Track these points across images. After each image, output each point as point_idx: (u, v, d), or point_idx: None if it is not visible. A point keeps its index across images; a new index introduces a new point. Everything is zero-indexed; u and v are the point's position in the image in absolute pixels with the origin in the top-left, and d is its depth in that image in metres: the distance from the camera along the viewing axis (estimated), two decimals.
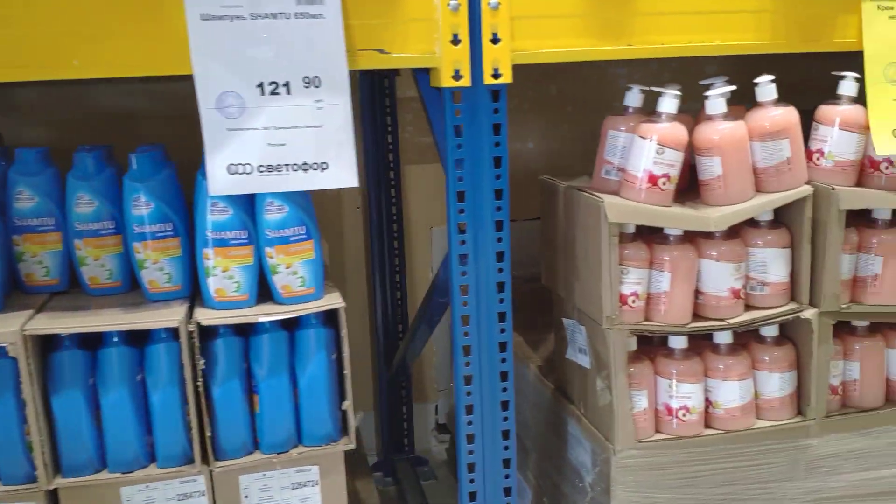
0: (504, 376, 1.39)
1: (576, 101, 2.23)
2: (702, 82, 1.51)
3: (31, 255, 1.28)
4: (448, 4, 1.23)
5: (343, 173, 1.23)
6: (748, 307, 1.49)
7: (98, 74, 1.14)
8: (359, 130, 2.12)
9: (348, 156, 1.22)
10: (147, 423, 1.23)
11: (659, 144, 1.38)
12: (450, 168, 1.31)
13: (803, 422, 1.51)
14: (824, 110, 1.47)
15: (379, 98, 2.06)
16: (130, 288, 1.32)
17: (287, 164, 1.20)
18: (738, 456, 1.49)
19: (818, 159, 1.47)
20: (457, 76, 1.26)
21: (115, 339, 1.20)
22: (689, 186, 1.50)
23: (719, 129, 1.41)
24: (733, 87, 1.44)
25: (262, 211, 1.22)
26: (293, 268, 1.25)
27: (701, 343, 1.50)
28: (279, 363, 1.25)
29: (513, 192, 1.70)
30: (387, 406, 2.23)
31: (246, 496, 1.27)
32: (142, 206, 1.23)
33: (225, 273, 1.23)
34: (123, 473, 1.23)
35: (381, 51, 1.24)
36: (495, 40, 1.27)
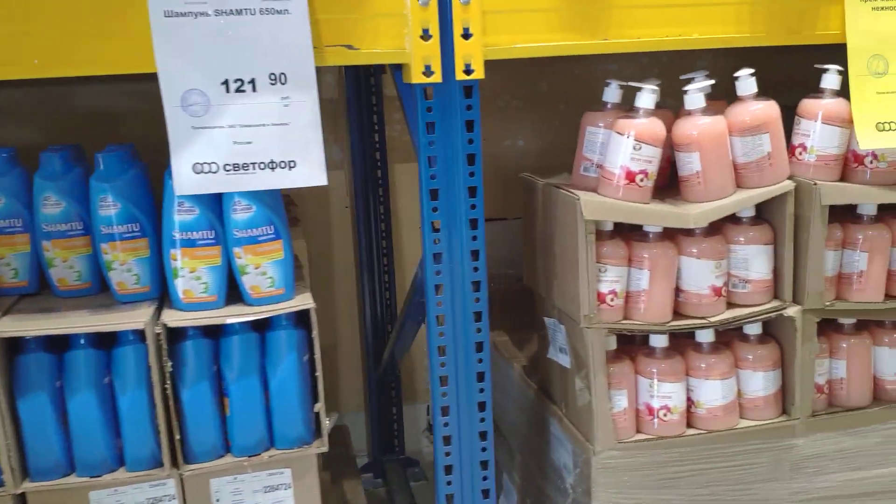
0: (481, 377, 1.37)
1: (567, 97, 2.21)
2: (682, 77, 1.49)
3: None
4: None
5: (312, 171, 1.21)
6: (730, 305, 1.47)
7: (58, 73, 1.13)
8: (345, 129, 2.12)
9: (317, 154, 1.21)
10: (116, 426, 1.21)
11: (636, 140, 1.36)
12: (422, 165, 1.29)
13: (788, 421, 1.49)
14: (806, 104, 1.45)
15: (365, 96, 2.04)
16: (100, 289, 1.30)
17: (253, 163, 1.19)
18: (721, 456, 1.47)
19: (801, 154, 1.45)
20: (427, 72, 1.24)
21: (82, 342, 1.19)
22: (671, 183, 1.48)
23: (698, 125, 1.39)
24: (712, 82, 1.42)
25: (229, 211, 1.21)
26: (262, 268, 1.23)
27: (683, 341, 1.48)
28: (249, 365, 1.24)
29: (503, 191, 1.69)
30: (377, 406, 2.21)
31: (217, 500, 1.26)
32: (108, 206, 1.22)
33: (192, 274, 1.21)
34: (92, 477, 1.21)
35: (349, 47, 1.22)
36: (467, 35, 1.25)
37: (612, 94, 1.46)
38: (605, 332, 1.40)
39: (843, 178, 1.46)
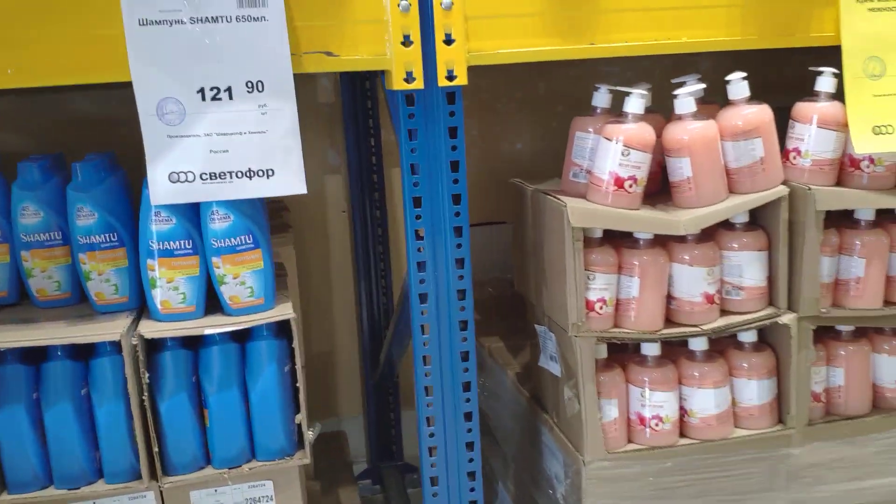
0: (466, 386, 1.35)
1: (565, 99, 2.19)
2: (674, 80, 1.46)
3: None
4: (398, 5, 1.19)
5: (290, 180, 1.19)
6: (724, 312, 1.44)
7: (33, 83, 1.12)
8: (341, 133, 2.10)
9: (295, 162, 1.19)
10: (94, 437, 1.20)
11: (624, 146, 1.33)
12: (405, 173, 1.27)
13: (784, 430, 1.46)
14: (801, 107, 1.42)
15: (361, 100, 2.02)
16: (80, 299, 1.29)
17: (231, 172, 1.17)
18: (714, 466, 1.44)
19: (795, 158, 1.42)
20: (409, 78, 1.22)
21: (59, 353, 1.18)
22: (664, 188, 1.45)
23: (688, 129, 1.36)
24: (703, 86, 1.39)
25: (206, 220, 1.19)
26: (241, 278, 1.22)
27: (676, 349, 1.45)
28: (229, 376, 1.22)
29: (500, 194, 1.66)
30: (374, 412, 2.20)
31: None
32: (85, 216, 1.20)
33: (170, 284, 1.20)
34: (70, 489, 1.20)
35: (328, 53, 1.20)
36: (449, 41, 1.22)
37: (602, 98, 1.43)
38: (595, 341, 1.38)
39: (839, 183, 1.43)
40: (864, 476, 1.51)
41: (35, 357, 1.19)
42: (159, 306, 1.21)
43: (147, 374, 1.18)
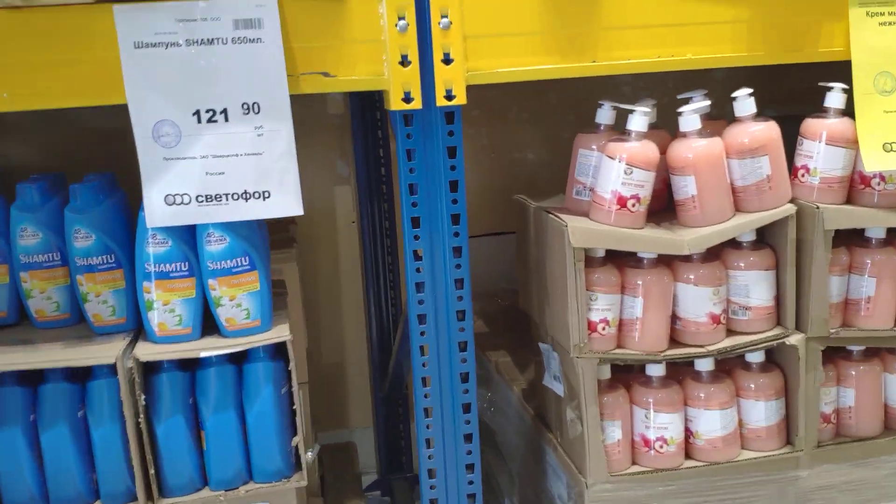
0: (466, 408, 1.34)
1: (577, 109, 2.16)
2: (679, 96, 1.44)
3: None
4: (396, 25, 1.18)
5: (287, 201, 1.19)
6: (730, 332, 1.42)
7: (29, 107, 1.12)
8: (350, 144, 2.10)
9: (292, 183, 1.18)
10: (90, 459, 1.20)
11: (627, 164, 1.31)
12: (403, 193, 1.26)
13: (792, 453, 1.43)
14: (809, 124, 1.39)
15: (369, 111, 2.02)
16: (79, 320, 1.29)
17: (227, 194, 1.17)
18: (720, 489, 1.41)
19: (803, 176, 1.39)
20: (407, 98, 1.21)
21: (56, 375, 1.18)
22: (670, 204, 1.43)
23: (693, 147, 1.34)
24: (708, 103, 1.37)
25: (202, 242, 1.19)
26: (237, 300, 1.21)
27: (681, 369, 1.43)
28: (226, 398, 1.22)
29: (510, 205, 1.64)
30: (384, 424, 2.19)
31: None
32: (83, 238, 1.20)
33: (166, 306, 1.20)
34: None
35: (325, 74, 1.19)
36: (447, 61, 1.21)
37: (605, 115, 1.41)
38: (597, 362, 1.36)
39: (849, 201, 1.40)
40: (876, 499, 1.48)
41: (32, 378, 1.19)
42: (156, 328, 1.20)
43: (143, 396, 1.18)
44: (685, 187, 1.35)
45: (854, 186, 1.40)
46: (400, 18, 1.18)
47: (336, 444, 2.25)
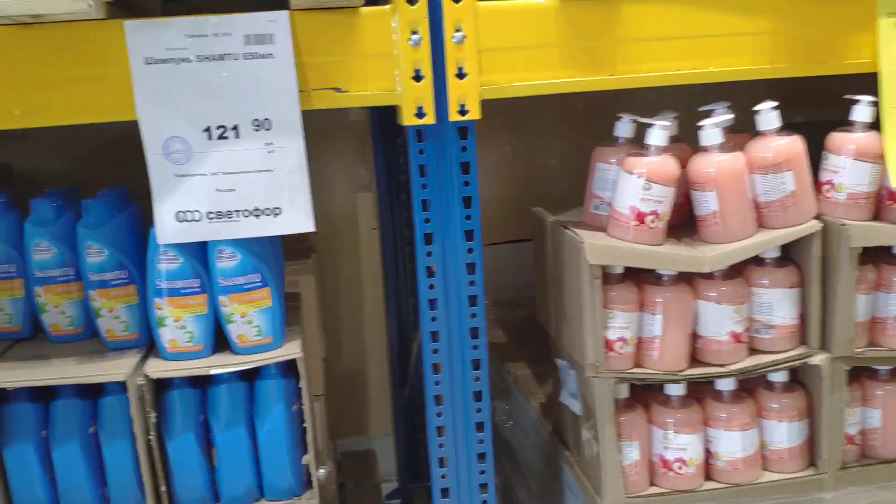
0: (480, 427, 1.32)
1: (603, 115, 2.14)
2: (701, 108, 1.41)
3: None
4: (408, 39, 1.16)
5: (298, 218, 1.18)
6: (752, 351, 1.38)
7: (40, 123, 1.12)
8: (370, 151, 2.09)
9: (303, 199, 1.17)
10: (102, 476, 1.20)
11: (646, 180, 1.28)
12: (416, 209, 1.24)
13: (815, 475, 1.39)
14: (835, 138, 1.35)
15: (389, 119, 2.00)
16: (93, 334, 1.29)
17: (237, 210, 1.16)
18: None
19: (829, 191, 1.35)
20: (420, 114, 1.19)
21: (68, 392, 1.18)
22: (691, 219, 1.39)
23: (714, 162, 1.30)
24: (730, 116, 1.34)
25: (213, 259, 1.18)
26: (248, 317, 1.20)
27: (702, 388, 1.39)
28: (237, 415, 1.21)
29: (532, 213, 1.61)
30: (404, 432, 2.18)
31: None
32: (95, 253, 1.20)
33: (177, 323, 1.19)
34: None
35: (337, 89, 1.18)
36: (461, 75, 1.19)
37: (624, 128, 1.38)
38: (614, 382, 1.33)
39: (876, 217, 1.36)
40: None
41: (45, 394, 1.19)
42: (167, 345, 1.20)
43: (154, 413, 1.17)
44: (706, 203, 1.32)
45: (881, 203, 1.35)
46: (413, 33, 1.16)
47: (356, 452, 2.25)
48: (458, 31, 1.17)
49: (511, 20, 1.19)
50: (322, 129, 2.08)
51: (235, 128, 1.14)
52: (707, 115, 1.37)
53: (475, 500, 1.33)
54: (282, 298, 1.24)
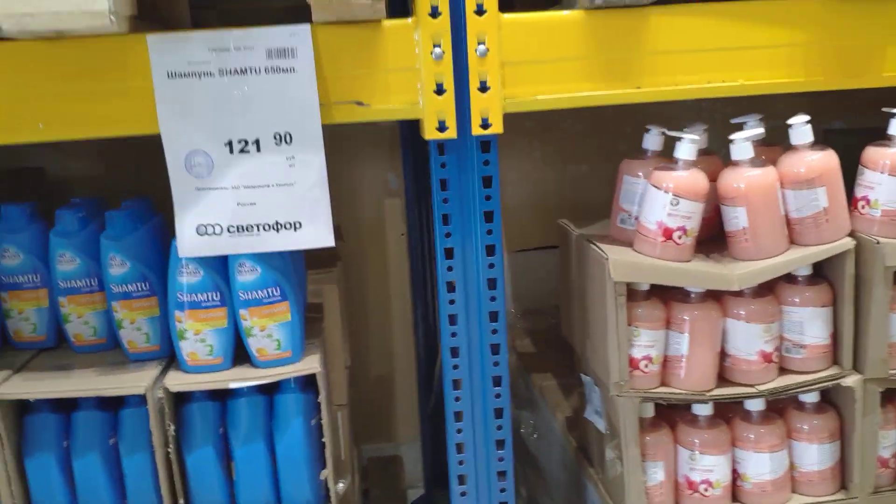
0: (500, 444, 1.30)
1: (634, 121, 2.10)
2: (733, 121, 1.37)
3: (17, 311, 1.28)
4: (431, 53, 1.15)
5: (318, 232, 1.17)
6: (783, 370, 1.35)
7: (63, 137, 1.12)
8: (399, 157, 2.08)
9: (323, 214, 1.16)
10: (121, 487, 1.20)
11: (674, 195, 1.25)
12: (437, 223, 1.23)
13: (846, 499, 1.36)
14: (871, 153, 1.31)
15: (418, 125, 1.99)
16: (116, 345, 1.29)
17: (258, 225, 1.15)
18: None
19: (864, 208, 1.31)
20: (441, 127, 1.18)
21: (88, 403, 1.18)
22: (721, 232, 1.36)
23: (744, 177, 1.27)
24: (761, 130, 1.30)
25: (234, 272, 1.18)
26: (268, 330, 1.20)
27: (730, 408, 1.36)
28: (255, 429, 1.21)
29: (564, 217, 1.59)
30: (430, 439, 2.17)
31: None
32: (117, 265, 1.21)
33: (197, 336, 1.19)
34: None
35: (359, 103, 1.17)
36: (484, 88, 1.17)
37: (653, 141, 1.36)
38: (639, 401, 1.30)
39: None
40: None
41: (66, 405, 1.20)
42: (187, 358, 1.20)
43: (173, 426, 1.17)
44: (736, 219, 1.28)
45: None
46: (435, 46, 1.14)
47: (382, 458, 2.24)
48: (480, 43, 1.15)
49: (535, 33, 1.17)
50: (351, 135, 2.08)
51: (257, 142, 1.14)
52: (739, 127, 1.34)
53: None
54: (302, 312, 1.24)
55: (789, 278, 1.33)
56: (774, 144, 1.37)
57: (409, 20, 1.14)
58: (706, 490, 1.33)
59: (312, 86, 1.13)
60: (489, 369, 1.27)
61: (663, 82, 1.22)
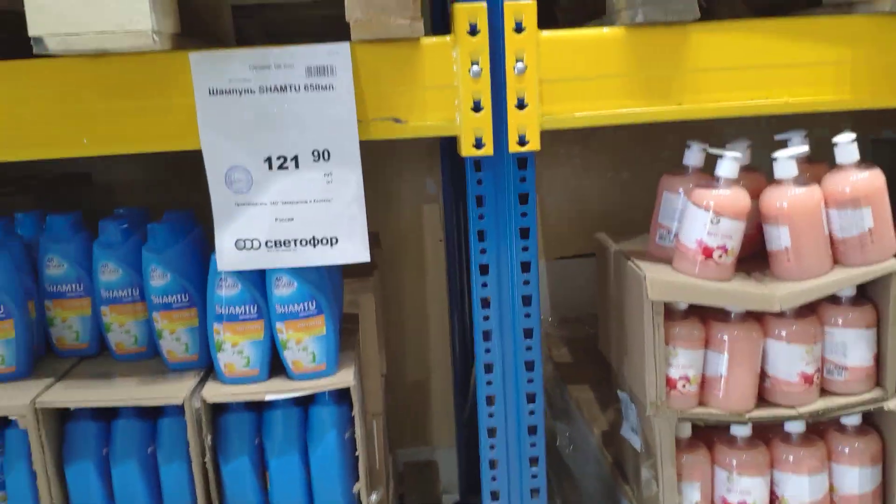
0: (534, 461, 1.29)
1: (677, 129, 2.08)
2: (777, 137, 1.35)
3: (61, 319, 1.31)
4: (469, 70, 1.15)
5: (354, 248, 1.17)
6: (824, 392, 1.32)
7: (107, 151, 1.14)
8: (438, 164, 2.08)
9: (360, 230, 1.17)
10: (159, 496, 1.22)
11: (714, 214, 1.24)
12: (472, 240, 1.23)
13: None
14: None
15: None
16: (156, 353, 1.31)
17: (295, 240, 1.16)
18: None
19: None
20: (478, 144, 1.17)
21: (128, 412, 1.20)
22: (763, 249, 1.34)
23: (787, 196, 1.25)
24: (805, 148, 1.27)
25: (271, 286, 1.19)
26: (303, 343, 1.21)
27: (769, 428, 1.34)
28: (291, 440, 1.22)
29: (602, 225, 1.57)
30: (465, 446, 2.17)
31: None
32: (159, 276, 1.23)
33: (234, 348, 1.20)
34: None
35: (396, 120, 1.17)
36: (521, 105, 1.17)
37: (694, 157, 1.34)
38: (676, 421, 1.29)
39: None
40: None
41: (107, 413, 1.22)
42: (224, 369, 1.22)
43: (210, 437, 1.19)
44: (778, 238, 1.26)
45: None
46: (473, 63, 1.14)
47: (418, 462, 2.25)
48: (519, 61, 1.15)
49: (574, 50, 1.16)
50: (389, 141, 2.08)
51: (295, 158, 1.15)
52: (783, 144, 1.31)
53: None
54: (337, 325, 1.25)
55: (833, 299, 1.31)
56: (820, 161, 1.35)
57: (448, 38, 1.14)
58: None
59: (351, 103, 1.14)
60: (523, 386, 1.27)
61: (705, 99, 1.21)
